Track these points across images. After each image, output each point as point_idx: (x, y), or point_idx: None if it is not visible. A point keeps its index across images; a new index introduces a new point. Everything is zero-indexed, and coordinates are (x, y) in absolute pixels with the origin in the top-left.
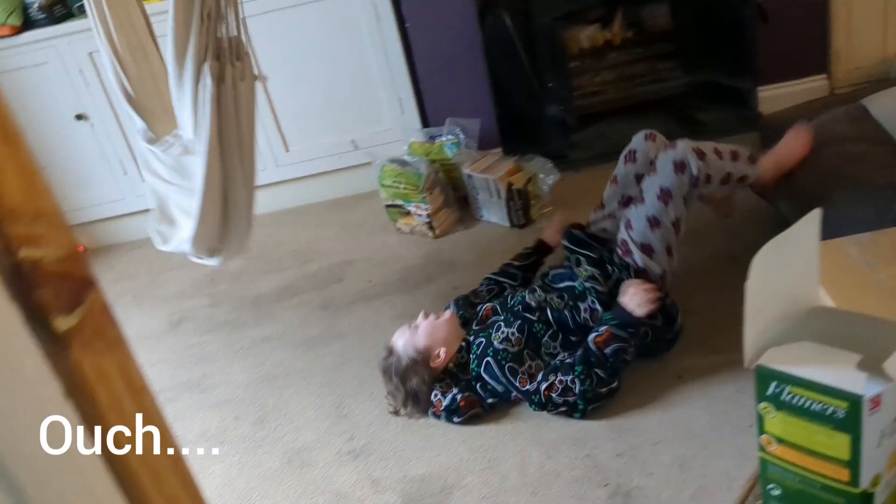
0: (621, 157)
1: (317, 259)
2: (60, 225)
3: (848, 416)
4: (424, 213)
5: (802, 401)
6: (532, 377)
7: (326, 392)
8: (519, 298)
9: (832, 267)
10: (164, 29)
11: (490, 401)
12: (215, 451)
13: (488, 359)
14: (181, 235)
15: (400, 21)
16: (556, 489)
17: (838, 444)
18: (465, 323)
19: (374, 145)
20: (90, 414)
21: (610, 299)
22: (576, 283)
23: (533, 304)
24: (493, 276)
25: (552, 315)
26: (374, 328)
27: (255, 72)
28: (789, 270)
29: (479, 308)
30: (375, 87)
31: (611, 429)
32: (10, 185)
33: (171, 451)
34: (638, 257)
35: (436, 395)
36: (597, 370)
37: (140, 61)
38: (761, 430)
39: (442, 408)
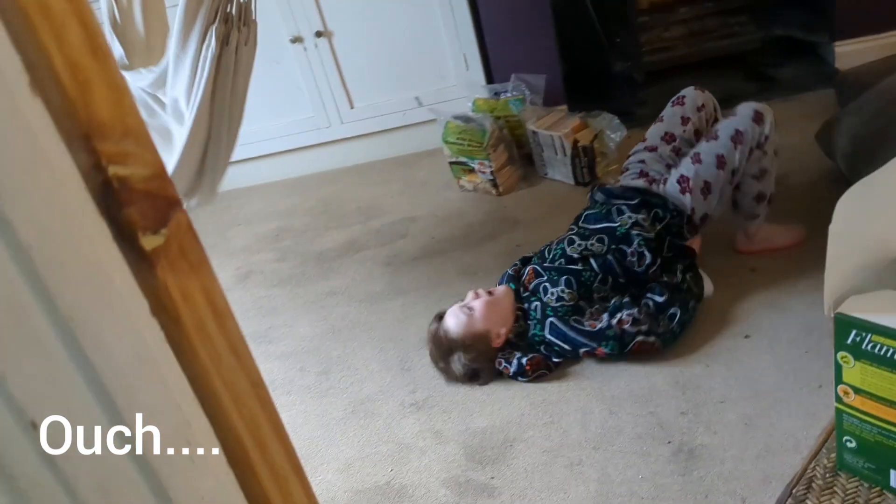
0: (669, 103)
1: (380, 216)
2: (147, 144)
3: None
4: (488, 170)
5: (884, 350)
6: (598, 318)
7: (389, 346)
8: (558, 252)
9: None
10: None
11: (556, 360)
12: (285, 398)
13: (550, 319)
14: None
15: None
16: (618, 445)
17: None
18: (517, 296)
19: (439, 102)
20: (174, 332)
21: (658, 244)
22: (616, 225)
23: (575, 255)
24: None
25: (596, 263)
26: (437, 284)
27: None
28: (875, 216)
29: (522, 273)
30: (441, 42)
31: (675, 386)
32: (100, 101)
33: (251, 374)
34: (691, 199)
35: (500, 364)
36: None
37: None
38: (839, 381)
39: (510, 374)
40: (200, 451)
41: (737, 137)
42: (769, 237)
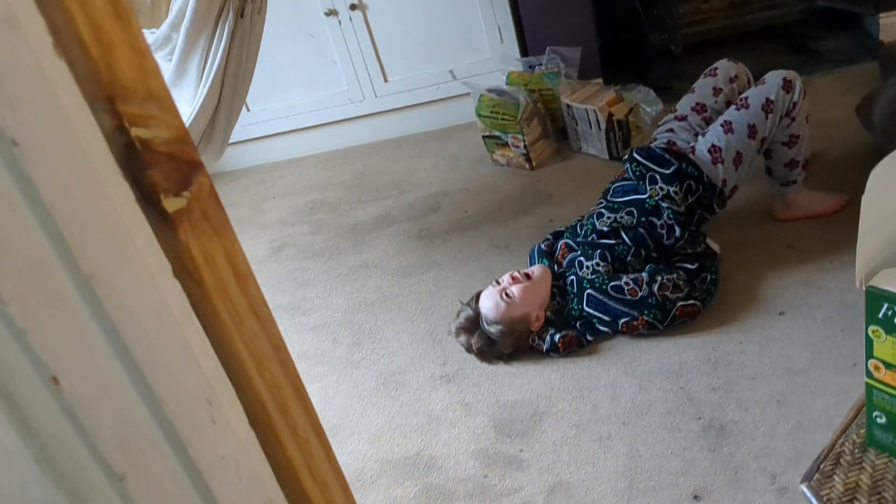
0: (702, 74)
1: (414, 189)
2: (169, 107)
3: None
4: (521, 144)
5: None
6: (639, 284)
7: (421, 319)
8: (589, 227)
9: None
10: None
11: (589, 338)
12: (318, 369)
13: (588, 291)
14: None
15: None
16: (648, 420)
17: None
18: (552, 273)
19: (473, 75)
20: (196, 294)
21: (688, 217)
22: (644, 197)
23: (606, 229)
24: None
25: (627, 236)
26: (469, 258)
27: None
28: None
29: (554, 249)
30: (475, 15)
31: (707, 362)
32: (123, 64)
33: (273, 337)
34: (722, 169)
35: (534, 340)
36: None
37: None
38: (870, 355)
39: (543, 350)
40: (221, 411)
41: (767, 106)
42: (807, 203)
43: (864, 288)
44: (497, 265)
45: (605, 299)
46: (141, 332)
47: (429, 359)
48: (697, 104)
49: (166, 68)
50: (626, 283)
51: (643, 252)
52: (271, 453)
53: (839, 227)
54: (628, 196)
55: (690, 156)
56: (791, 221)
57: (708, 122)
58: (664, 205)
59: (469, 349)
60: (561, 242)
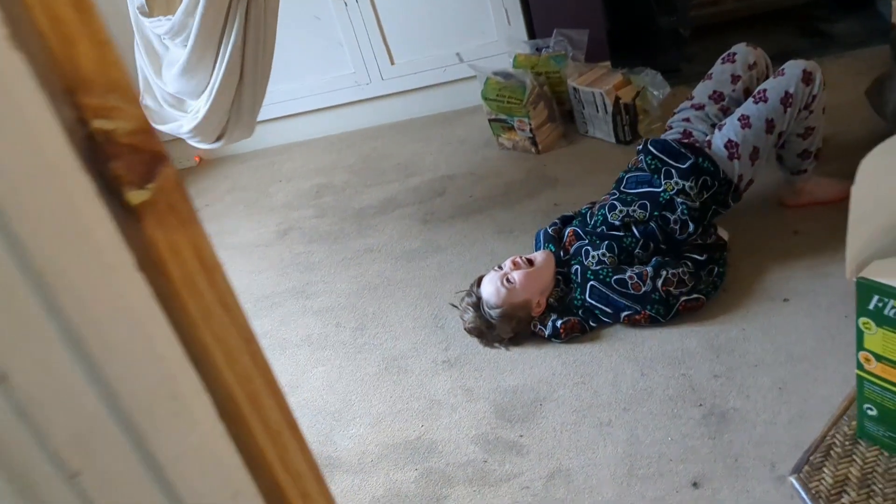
0: (719, 59)
1: (419, 173)
2: (131, 98)
3: None
4: (527, 127)
5: None
6: (643, 279)
7: (424, 303)
8: (599, 218)
9: None
10: None
11: (592, 324)
12: (321, 353)
13: (591, 283)
14: (180, 124)
15: None
16: (649, 407)
17: None
18: (557, 259)
19: (480, 58)
20: (162, 287)
21: (702, 213)
22: (658, 190)
23: (616, 222)
24: None
25: (638, 230)
26: (474, 243)
27: None
28: None
29: (562, 234)
30: None
31: (709, 349)
32: (84, 55)
33: (243, 329)
34: (739, 165)
35: (535, 326)
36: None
37: None
38: (860, 347)
39: (545, 336)
40: (186, 405)
41: (786, 100)
42: (815, 190)
43: (854, 279)
44: (502, 250)
45: (609, 292)
46: (97, 326)
47: (431, 343)
48: (715, 92)
49: (181, 55)
50: (630, 278)
51: (652, 246)
52: (243, 446)
53: (847, 215)
54: (642, 188)
55: (706, 150)
56: (799, 208)
57: (725, 111)
58: (679, 200)
59: (470, 332)
60: (569, 229)
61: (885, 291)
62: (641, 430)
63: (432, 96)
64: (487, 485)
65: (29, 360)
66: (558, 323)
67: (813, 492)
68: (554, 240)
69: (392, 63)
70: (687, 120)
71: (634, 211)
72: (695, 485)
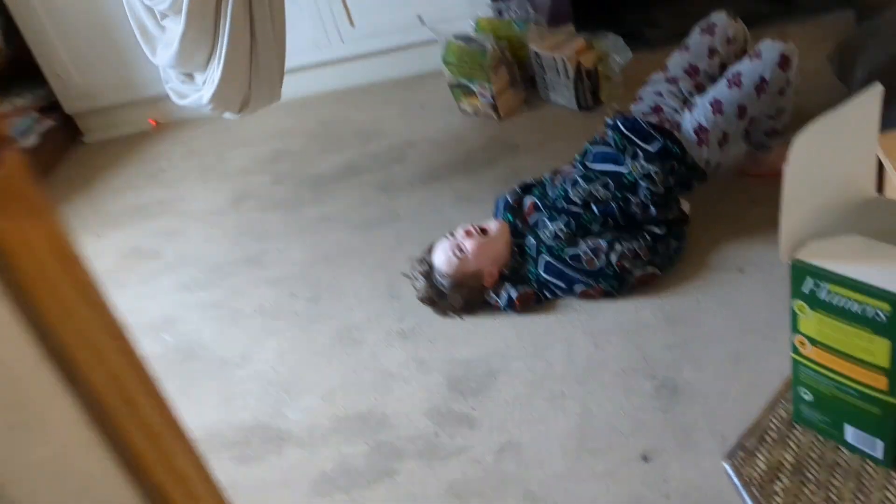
0: (696, 28)
1: (378, 139)
2: None
3: (890, 319)
4: (488, 93)
5: (841, 300)
6: (597, 254)
7: (380, 273)
8: (560, 192)
9: None
10: None
11: (548, 295)
12: (274, 323)
13: (545, 258)
14: (199, 95)
15: None
16: (602, 379)
17: (878, 349)
18: (514, 230)
19: (441, 21)
20: (13, 282)
21: (666, 199)
22: (623, 171)
23: (577, 199)
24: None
25: (598, 208)
26: (432, 211)
27: None
28: (839, 155)
29: (522, 204)
30: None
31: (664, 321)
32: None
33: (110, 326)
34: (707, 151)
35: (490, 296)
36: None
37: None
38: (795, 330)
39: (500, 307)
40: (37, 413)
41: (761, 86)
42: (777, 160)
43: (788, 261)
44: (459, 219)
45: (562, 267)
46: None
47: (386, 314)
48: (690, 66)
49: (177, 31)
50: (585, 253)
51: (611, 222)
52: (119, 452)
53: None
54: (608, 165)
55: (675, 133)
56: (759, 177)
57: (699, 87)
58: (643, 184)
59: (423, 301)
60: (529, 200)
61: (820, 274)
62: (594, 402)
63: (393, 60)
64: (438, 458)
65: None
66: (513, 294)
67: (746, 478)
68: (513, 209)
69: (352, 25)
70: (659, 94)
71: (597, 190)
72: (644, 458)
